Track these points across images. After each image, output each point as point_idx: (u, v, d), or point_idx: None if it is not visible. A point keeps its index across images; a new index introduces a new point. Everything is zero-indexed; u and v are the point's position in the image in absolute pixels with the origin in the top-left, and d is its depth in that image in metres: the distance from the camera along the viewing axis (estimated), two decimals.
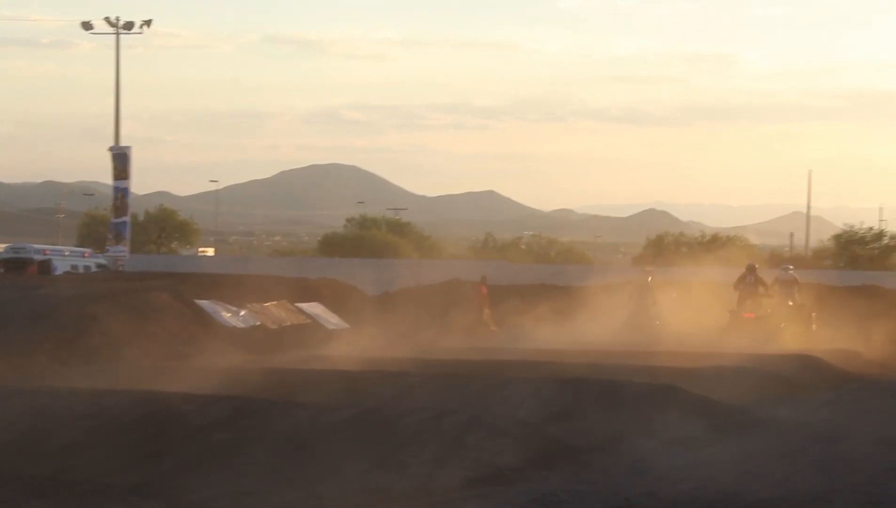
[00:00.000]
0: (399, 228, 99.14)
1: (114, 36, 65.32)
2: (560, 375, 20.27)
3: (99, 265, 48.15)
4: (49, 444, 15.18)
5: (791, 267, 39.35)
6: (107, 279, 36.85)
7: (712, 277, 43.39)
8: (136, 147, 60.72)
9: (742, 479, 13.28)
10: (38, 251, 46.47)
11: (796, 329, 35.14)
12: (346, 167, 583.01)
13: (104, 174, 57.24)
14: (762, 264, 48.33)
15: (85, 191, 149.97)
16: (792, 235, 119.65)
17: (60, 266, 44.65)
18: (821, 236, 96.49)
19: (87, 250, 53.66)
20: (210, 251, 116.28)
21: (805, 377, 22.71)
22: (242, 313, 32.11)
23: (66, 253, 48.58)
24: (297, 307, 34.56)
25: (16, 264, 44.67)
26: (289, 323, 33.24)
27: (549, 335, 33.47)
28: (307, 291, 36.49)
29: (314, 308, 35.25)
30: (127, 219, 56.14)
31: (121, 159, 55.98)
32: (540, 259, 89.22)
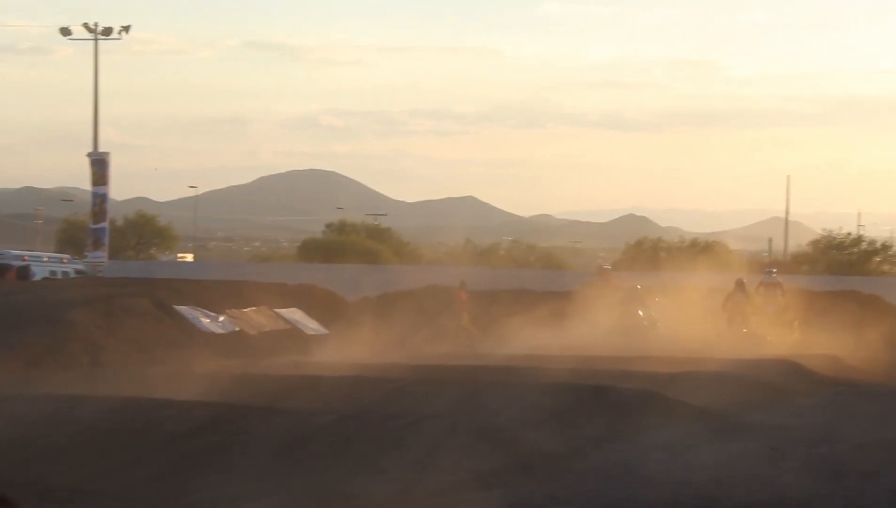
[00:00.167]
0: (378, 233, 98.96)
1: (92, 42, 65.27)
2: (540, 380, 20.27)
3: (78, 271, 47.95)
4: (28, 450, 15.12)
5: (774, 271, 40.28)
6: (85, 285, 36.70)
7: (693, 281, 43.51)
8: (115, 153, 60.50)
9: (722, 484, 13.28)
10: (16, 257, 46.27)
11: (780, 332, 35.41)
12: (325, 173, 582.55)
13: (83, 180, 56.99)
14: (742, 269, 48.63)
15: (64, 197, 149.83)
16: (771, 240, 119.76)
17: (39, 272, 44.48)
18: (800, 242, 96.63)
19: (66, 256, 53.47)
20: (189, 257, 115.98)
21: (786, 383, 22.75)
22: (221, 318, 32.03)
23: (45, 259, 48.38)
24: (276, 313, 34.47)
25: None
26: (268, 329, 33.15)
27: (529, 341, 33.45)
28: (286, 296, 36.40)
29: (293, 314, 35.16)
30: (105, 225, 55.92)
31: (99, 165, 55.78)
32: (520, 265, 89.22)
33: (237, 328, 32.04)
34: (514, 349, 31.21)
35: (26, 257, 46.79)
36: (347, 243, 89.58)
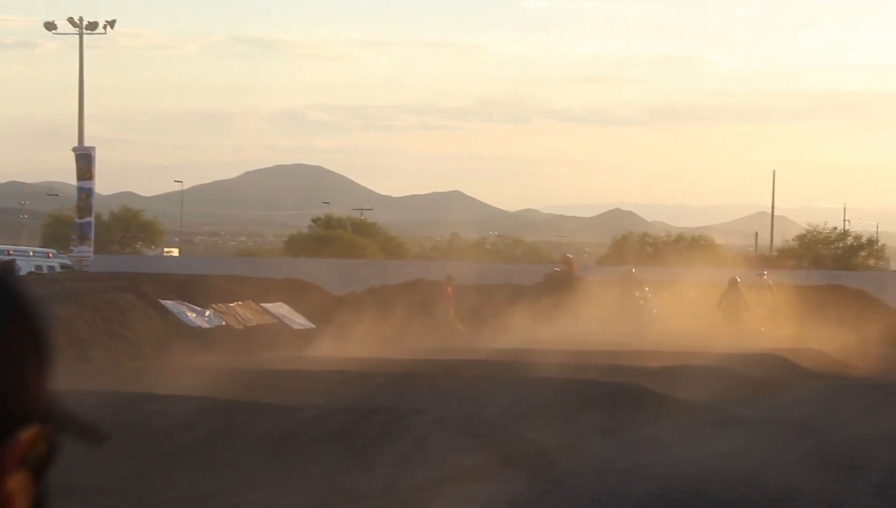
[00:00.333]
0: (364, 228, 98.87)
1: (77, 36, 65.07)
2: (529, 374, 20.26)
3: (63, 266, 47.94)
4: None
5: (765, 273, 41.43)
6: (71, 280, 36.63)
7: (680, 275, 43.69)
8: (101, 147, 60.35)
9: (708, 478, 13.28)
10: (2, 252, 46.22)
11: (773, 329, 35.94)
12: (311, 167, 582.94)
13: (68, 175, 57.06)
14: (728, 263, 48.93)
15: (49, 191, 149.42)
16: (756, 235, 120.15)
17: (24, 267, 44.39)
18: (785, 236, 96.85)
19: (51, 251, 53.40)
20: (175, 252, 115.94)
21: (773, 377, 22.80)
22: (207, 313, 31.98)
23: (31, 253, 48.40)
24: (262, 308, 34.43)
25: None
26: (254, 323, 33.12)
27: (516, 334, 33.46)
28: (272, 291, 36.35)
29: (279, 308, 35.12)
30: (91, 219, 55.83)
31: (85, 160, 55.68)
32: (506, 259, 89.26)
33: (223, 323, 31.99)
34: (498, 344, 31.22)
35: (11, 252, 46.73)
36: (334, 237, 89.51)
